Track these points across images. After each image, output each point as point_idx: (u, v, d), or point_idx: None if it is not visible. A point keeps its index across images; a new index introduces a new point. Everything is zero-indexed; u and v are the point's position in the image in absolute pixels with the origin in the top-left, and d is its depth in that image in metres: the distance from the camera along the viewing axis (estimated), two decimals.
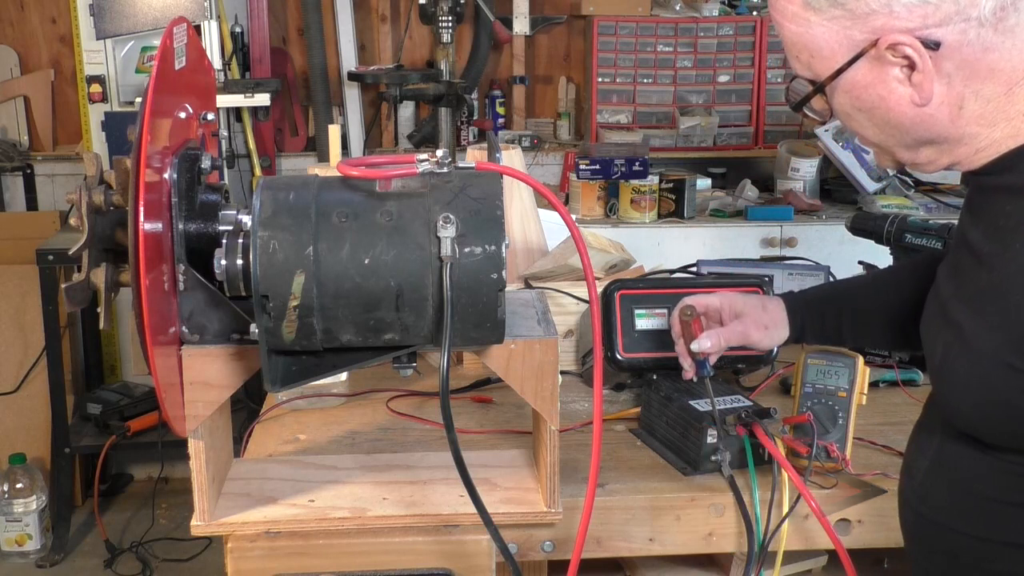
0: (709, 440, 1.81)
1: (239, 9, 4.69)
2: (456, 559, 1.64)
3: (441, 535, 1.65)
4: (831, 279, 2.40)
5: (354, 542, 1.65)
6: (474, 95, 4.95)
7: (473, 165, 1.55)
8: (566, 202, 4.41)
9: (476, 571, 1.64)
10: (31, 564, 4.23)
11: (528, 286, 2.34)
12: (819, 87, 1.39)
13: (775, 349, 2.04)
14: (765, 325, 1.85)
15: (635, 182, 4.25)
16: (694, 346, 1.84)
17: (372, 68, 4.73)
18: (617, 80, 4.83)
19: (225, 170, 4.39)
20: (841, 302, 1.89)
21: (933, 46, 1.29)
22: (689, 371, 1.88)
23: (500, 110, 5.08)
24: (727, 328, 1.86)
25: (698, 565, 2.01)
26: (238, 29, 4.66)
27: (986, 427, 1.37)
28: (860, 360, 1.85)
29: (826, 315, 1.87)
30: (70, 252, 1.48)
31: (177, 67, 1.56)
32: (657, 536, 1.78)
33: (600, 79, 4.82)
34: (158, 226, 1.46)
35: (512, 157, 2.52)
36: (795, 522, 1.76)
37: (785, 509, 1.75)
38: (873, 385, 2.12)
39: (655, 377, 2.02)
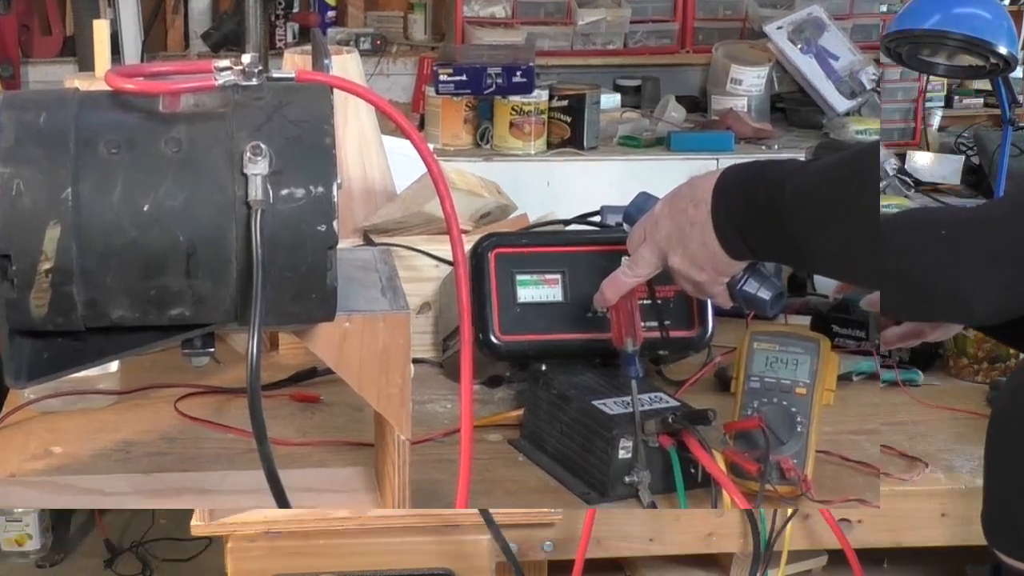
0: (621, 455, 1.83)
1: None
2: (456, 559, 1.89)
3: (441, 535, 1.89)
4: None
5: (354, 542, 1.89)
6: None
7: (293, 76, 1.56)
8: (421, 126, 4.42)
9: (476, 571, 1.90)
10: (31, 564, 5.00)
11: (369, 242, 2.36)
12: None
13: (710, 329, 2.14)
14: None
15: (516, 99, 4.28)
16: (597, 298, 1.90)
17: None
18: None
19: None
20: None
21: None
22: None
23: (330, 1, 5.07)
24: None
25: (698, 565, 2.23)
26: None
27: None
28: (825, 344, 1.87)
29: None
30: None
31: None
32: (657, 536, 2.02)
33: None
34: None
35: (346, 64, 2.52)
36: (797, 521, 1.96)
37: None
38: (844, 378, 2.19)
39: (544, 368, 2.04)
